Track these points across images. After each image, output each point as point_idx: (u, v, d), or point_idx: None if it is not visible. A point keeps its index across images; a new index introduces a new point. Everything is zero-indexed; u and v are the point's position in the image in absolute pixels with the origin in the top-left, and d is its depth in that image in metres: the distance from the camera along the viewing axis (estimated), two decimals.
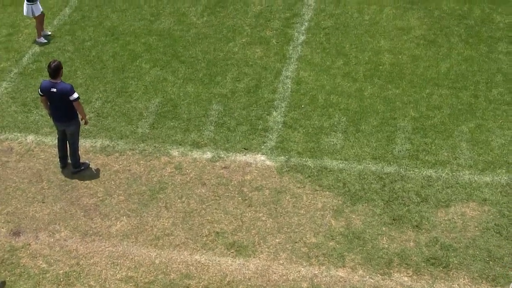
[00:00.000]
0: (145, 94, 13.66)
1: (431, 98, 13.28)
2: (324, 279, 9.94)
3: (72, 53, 14.99)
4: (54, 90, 11.08)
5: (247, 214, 10.97)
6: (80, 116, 11.42)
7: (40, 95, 11.31)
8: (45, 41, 15.40)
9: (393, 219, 10.78)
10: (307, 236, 10.56)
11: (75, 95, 11.10)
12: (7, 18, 16.43)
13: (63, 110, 11.25)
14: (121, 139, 12.57)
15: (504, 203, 10.96)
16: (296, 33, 15.33)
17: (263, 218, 10.89)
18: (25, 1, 14.98)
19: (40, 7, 15.18)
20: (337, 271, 10.04)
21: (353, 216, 10.86)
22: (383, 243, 10.41)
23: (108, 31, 15.72)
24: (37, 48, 15.16)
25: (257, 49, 14.87)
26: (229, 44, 15.06)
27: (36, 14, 15.11)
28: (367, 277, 9.95)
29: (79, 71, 14.41)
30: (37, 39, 15.42)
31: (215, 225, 10.80)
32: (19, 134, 12.79)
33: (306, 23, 15.64)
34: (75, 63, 14.66)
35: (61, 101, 11.14)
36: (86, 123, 11.64)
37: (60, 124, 11.48)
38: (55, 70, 11.02)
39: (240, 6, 16.40)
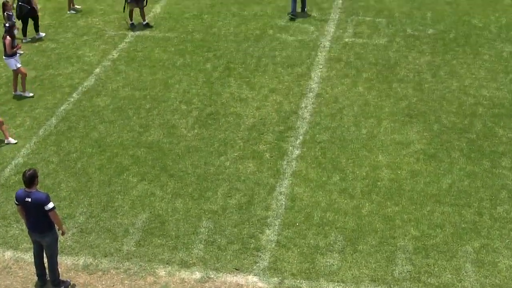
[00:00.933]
0: (132, 209, 13.71)
1: (433, 216, 13.35)
2: None
3: (57, 165, 15.15)
4: (29, 199, 11.17)
5: None
6: (57, 227, 11.43)
7: (16, 204, 11.42)
8: None
9: None
10: None
11: (51, 205, 11.15)
12: None
13: (39, 220, 11.29)
14: (105, 256, 12.52)
15: None
16: (290, 147, 15.56)
17: None
18: None
19: None
20: None
21: None
22: None
23: (95, 143, 15.94)
24: (20, 159, 15.32)
25: (249, 163, 15.05)
26: (221, 158, 15.26)
27: None
28: None
29: (63, 183, 14.52)
30: None
31: None
32: None
33: (301, 137, 15.90)
34: (59, 175, 14.79)
35: (36, 211, 11.20)
36: (63, 233, 11.63)
37: (35, 235, 11.49)
38: (30, 179, 11.15)
39: (232, 119, 16.71)
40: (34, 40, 21.25)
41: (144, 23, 22.03)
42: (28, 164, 15.11)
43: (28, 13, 21.07)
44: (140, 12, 21.94)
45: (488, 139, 15.74)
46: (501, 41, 20.40)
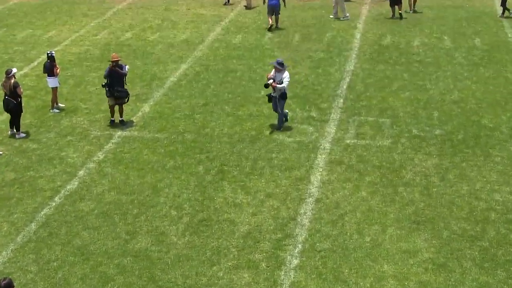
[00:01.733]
0: None
1: None
2: None
3: (35, 275, 15.18)
4: None
5: None
6: None
7: None
8: None
9: None
10: None
11: None
12: None
13: None
14: None
15: None
16: (288, 257, 15.64)
17: None
18: None
19: None
20: None
21: None
22: None
23: (77, 251, 16.01)
24: None
25: (244, 274, 15.10)
26: (213, 268, 15.32)
27: None
28: None
29: None
30: None
31: None
32: None
33: (299, 245, 16.01)
34: (38, 286, 14.80)
35: None
36: None
37: None
38: None
39: (226, 225, 16.85)
40: (14, 138, 21.61)
41: (120, 119, 22.61)
42: (4, 273, 15.12)
43: (13, 108, 21.48)
44: (118, 108, 22.50)
45: (502, 247, 15.84)
46: None
